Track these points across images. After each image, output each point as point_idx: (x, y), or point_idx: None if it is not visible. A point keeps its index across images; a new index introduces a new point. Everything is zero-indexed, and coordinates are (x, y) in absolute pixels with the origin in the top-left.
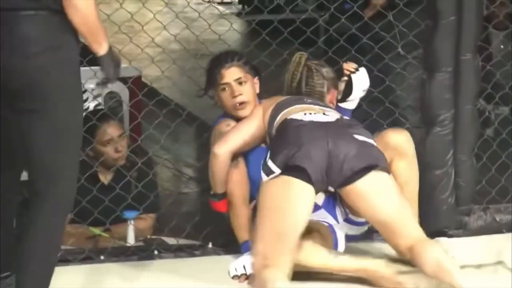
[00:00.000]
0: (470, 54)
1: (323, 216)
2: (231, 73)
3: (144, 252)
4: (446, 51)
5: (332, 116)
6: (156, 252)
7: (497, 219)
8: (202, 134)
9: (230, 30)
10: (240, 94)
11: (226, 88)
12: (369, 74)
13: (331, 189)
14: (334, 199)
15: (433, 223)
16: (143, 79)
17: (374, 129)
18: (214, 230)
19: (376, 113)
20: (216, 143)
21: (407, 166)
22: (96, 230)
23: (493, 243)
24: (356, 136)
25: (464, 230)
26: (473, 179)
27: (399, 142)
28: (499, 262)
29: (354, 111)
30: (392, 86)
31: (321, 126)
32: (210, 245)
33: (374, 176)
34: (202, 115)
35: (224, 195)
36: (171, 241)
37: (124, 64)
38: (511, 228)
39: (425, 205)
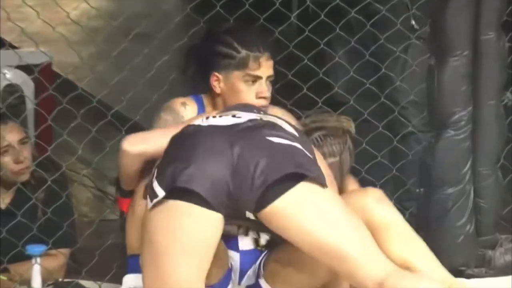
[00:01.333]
0: (494, 33)
1: None
2: (268, 67)
3: None
4: (461, 29)
5: (244, 117)
6: None
7: None
8: None
9: (172, 1)
10: (269, 97)
11: (255, 82)
12: (359, 60)
13: (249, 215)
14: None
15: (446, 260)
16: (54, 67)
17: (366, 133)
18: None
19: (367, 112)
20: (129, 137)
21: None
22: None
23: None
24: (272, 139)
25: (488, 269)
26: (498, 200)
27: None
28: None
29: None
30: (390, 76)
31: (223, 131)
32: None
33: (300, 190)
34: (135, 115)
35: (129, 194)
36: (91, 285)
37: (29, 48)
38: None
39: (434, 235)
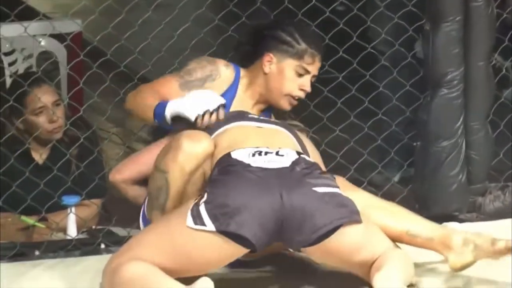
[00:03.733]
0: (482, 0)
1: None
2: (317, 68)
3: (88, 246)
4: None
5: (287, 157)
6: (103, 245)
7: None
8: None
9: None
10: (308, 92)
11: (302, 76)
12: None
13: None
14: None
15: (441, 206)
16: (84, 35)
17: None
18: None
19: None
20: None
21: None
22: (30, 220)
23: None
24: (317, 189)
25: (478, 214)
26: (488, 152)
27: None
28: None
29: None
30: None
31: (272, 176)
32: None
33: (344, 233)
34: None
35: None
36: (121, 232)
37: (61, 18)
38: None
39: (430, 184)
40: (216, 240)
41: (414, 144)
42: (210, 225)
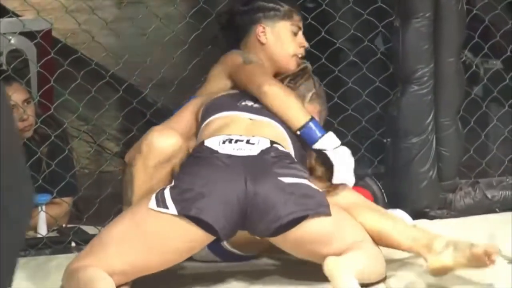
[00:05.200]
0: None
1: None
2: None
3: (58, 244)
4: None
5: (257, 145)
6: (73, 244)
7: (489, 196)
8: (129, 100)
9: None
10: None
11: (296, 34)
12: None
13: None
14: None
15: (411, 202)
16: (54, 33)
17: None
18: None
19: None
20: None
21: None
22: None
23: (484, 225)
24: (283, 179)
25: (449, 210)
26: (458, 148)
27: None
28: None
29: None
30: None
31: (238, 163)
32: None
33: (310, 225)
34: (129, 76)
35: None
36: (91, 230)
37: (31, 15)
38: (506, 206)
39: (400, 180)
40: (179, 223)
41: (384, 140)
42: (172, 208)
